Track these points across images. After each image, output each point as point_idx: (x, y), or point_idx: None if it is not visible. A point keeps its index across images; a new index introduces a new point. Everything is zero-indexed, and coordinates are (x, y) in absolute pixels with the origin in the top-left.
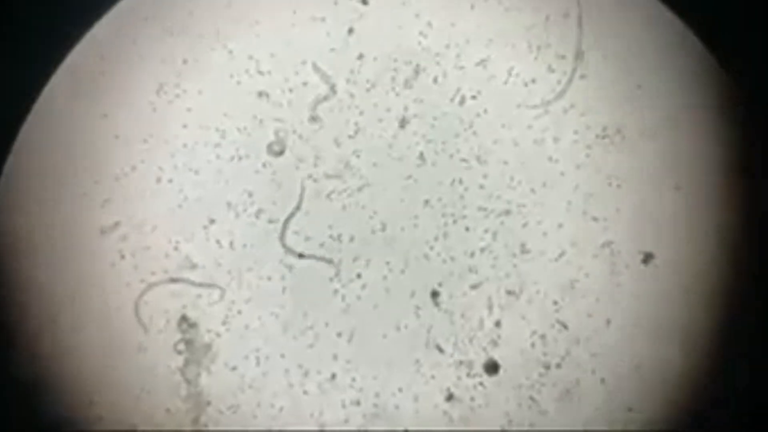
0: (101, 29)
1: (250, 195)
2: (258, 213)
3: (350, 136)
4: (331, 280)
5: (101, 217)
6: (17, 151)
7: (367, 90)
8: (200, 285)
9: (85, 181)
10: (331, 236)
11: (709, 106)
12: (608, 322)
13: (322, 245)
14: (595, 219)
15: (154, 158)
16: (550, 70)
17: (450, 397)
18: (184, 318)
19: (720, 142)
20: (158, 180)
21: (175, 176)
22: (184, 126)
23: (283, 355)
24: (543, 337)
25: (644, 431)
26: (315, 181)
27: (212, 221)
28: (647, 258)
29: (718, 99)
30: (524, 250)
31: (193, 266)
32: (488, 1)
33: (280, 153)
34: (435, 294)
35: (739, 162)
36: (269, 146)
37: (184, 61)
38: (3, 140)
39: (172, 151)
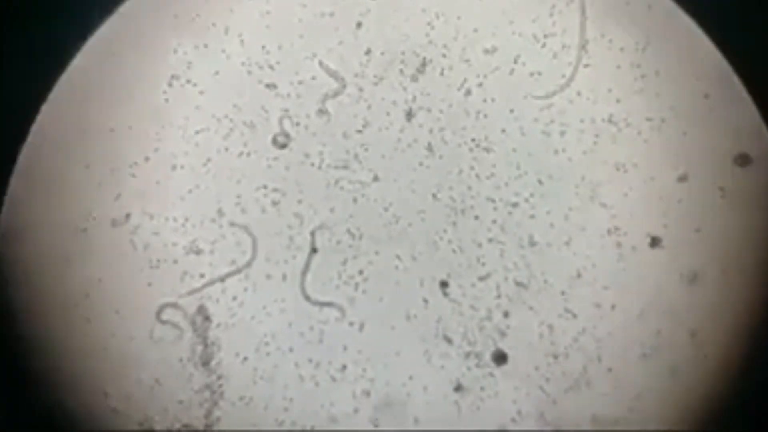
0: (115, 20)
1: (259, 186)
2: (268, 204)
3: (358, 130)
4: (340, 271)
5: (114, 209)
6: (31, 143)
7: (375, 84)
8: (212, 276)
9: (98, 172)
10: (342, 228)
11: (712, 96)
12: (614, 307)
13: (333, 236)
14: (603, 205)
15: (167, 147)
16: (556, 59)
17: (459, 387)
18: (197, 309)
19: (725, 130)
20: (173, 167)
21: (187, 163)
22: (197, 107)
23: (292, 348)
24: (551, 327)
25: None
26: (324, 173)
27: (223, 211)
28: (654, 242)
29: (722, 88)
30: (532, 242)
31: (206, 257)
32: None
33: (287, 146)
34: (444, 284)
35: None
36: (276, 138)
37: (196, 48)
38: (17, 133)
39: (184, 136)
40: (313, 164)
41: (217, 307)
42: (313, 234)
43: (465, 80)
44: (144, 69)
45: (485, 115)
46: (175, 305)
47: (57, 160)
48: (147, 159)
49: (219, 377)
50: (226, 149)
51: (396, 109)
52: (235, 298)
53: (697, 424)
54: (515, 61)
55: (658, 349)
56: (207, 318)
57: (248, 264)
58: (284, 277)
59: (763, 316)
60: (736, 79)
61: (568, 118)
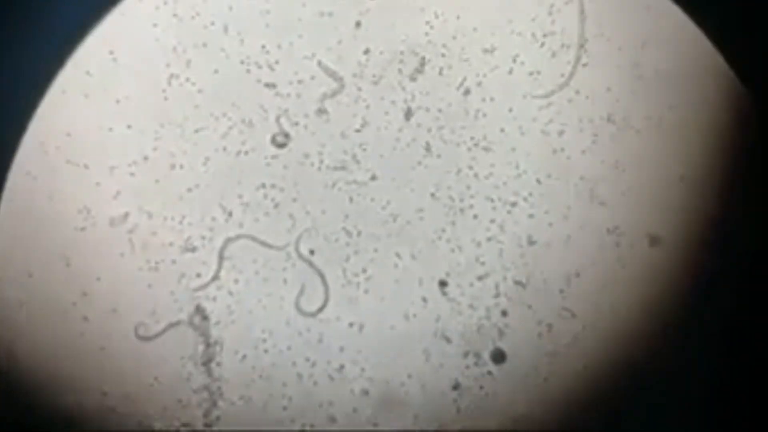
0: (114, 19)
1: (258, 185)
2: (267, 202)
3: (357, 130)
4: (340, 270)
5: (112, 208)
6: (29, 142)
7: (374, 83)
8: (210, 275)
9: (97, 171)
10: (340, 228)
11: (711, 95)
12: (613, 307)
13: (331, 237)
14: (602, 204)
15: (166, 146)
16: (555, 58)
17: (457, 386)
18: (195, 309)
19: (723, 130)
20: (172, 166)
21: (186, 162)
22: (196, 106)
23: (290, 347)
24: (550, 326)
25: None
26: (322, 172)
27: (221, 209)
28: (654, 241)
29: (722, 88)
30: (531, 241)
31: (204, 256)
32: None
33: (286, 145)
34: (443, 284)
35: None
36: (275, 137)
37: (195, 46)
38: (15, 131)
39: (183, 135)
40: (312, 164)
41: (215, 306)
42: (311, 233)
43: (464, 79)
44: (143, 68)
45: (484, 115)
46: (173, 304)
47: (56, 159)
48: (146, 158)
49: (218, 377)
50: (225, 148)
51: (395, 109)
52: (231, 294)
53: (698, 423)
54: (514, 61)
55: (657, 350)
56: (205, 317)
57: (247, 263)
58: (284, 277)
59: (764, 316)
60: (735, 79)
61: (567, 117)
